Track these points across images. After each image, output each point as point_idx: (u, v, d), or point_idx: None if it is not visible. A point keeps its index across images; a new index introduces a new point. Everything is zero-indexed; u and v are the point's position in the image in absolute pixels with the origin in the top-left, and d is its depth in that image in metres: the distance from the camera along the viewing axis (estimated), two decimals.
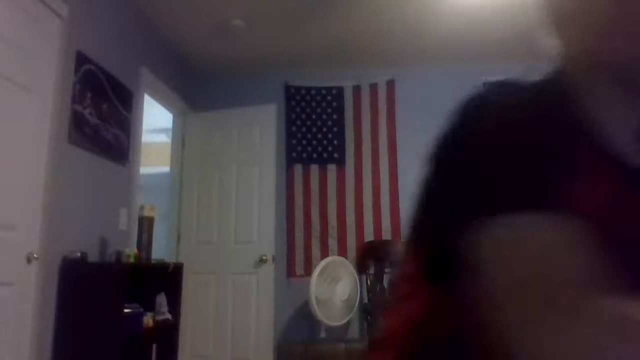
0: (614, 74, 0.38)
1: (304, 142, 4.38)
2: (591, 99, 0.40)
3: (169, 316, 3.24)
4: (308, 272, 4.05)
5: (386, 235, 4.16)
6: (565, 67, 0.43)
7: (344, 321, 3.81)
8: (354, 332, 4.10)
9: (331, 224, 4.21)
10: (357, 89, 4.41)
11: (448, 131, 0.48)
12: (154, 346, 3.23)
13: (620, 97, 0.39)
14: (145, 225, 3.29)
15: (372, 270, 3.94)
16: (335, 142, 4.36)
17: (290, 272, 4.17)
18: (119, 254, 2.89)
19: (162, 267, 3.37)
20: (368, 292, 3.87)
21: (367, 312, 3.77)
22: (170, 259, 3.92)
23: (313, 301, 3.64)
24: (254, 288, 3.87)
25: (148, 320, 2.98)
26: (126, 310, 2.66)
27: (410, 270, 0.54)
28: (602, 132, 0.39)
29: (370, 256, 4.01)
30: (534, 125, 0.42)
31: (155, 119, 4.71)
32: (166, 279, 3.30)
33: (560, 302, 0.38)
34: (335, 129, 4.38)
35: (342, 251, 4.15)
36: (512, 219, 0.40)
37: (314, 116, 4.42)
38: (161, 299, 3.25)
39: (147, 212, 3.33)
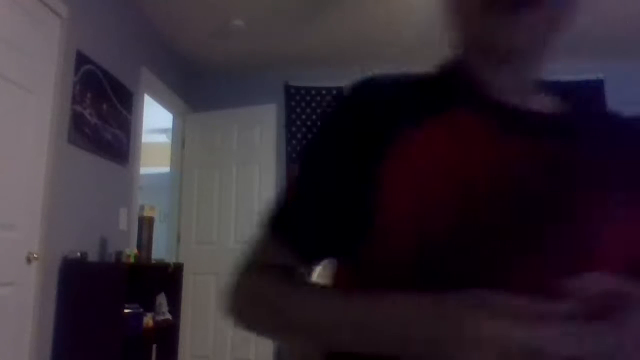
0: (485, 49, 0.56)
1: (304, 142, 4.38)
2: (475, 66, 0.58)
3: (169, 316, 3.24)
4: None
5: None
6: (460, 50, 0.60)
7: None
8: None
9: None
10: None
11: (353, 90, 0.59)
12: (154, 346, 3.23)
13: (492, 63, 0.57)
14: (145, 225, 3.30)
15: None
16: None
17: None
18: (119, 254, 2.89)
19: (162, 267, 3.37)
20: None
21: None
22: (170, 259, 3.92)
23: None
24: None
25: (148, 320, 2.98)
26: (126, 310, 2.66)
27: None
28: (482, 86, 0.57)
29: None
30: (433, 79, 0.60)
31: (155, 119, 4.71)
32: (166, 279, 3.30)
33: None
34: None
35: None
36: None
37: (314, 116, 4.41)
38: (161, 299, 3.25)
39: (147, 212, 3.33)
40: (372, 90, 0.58)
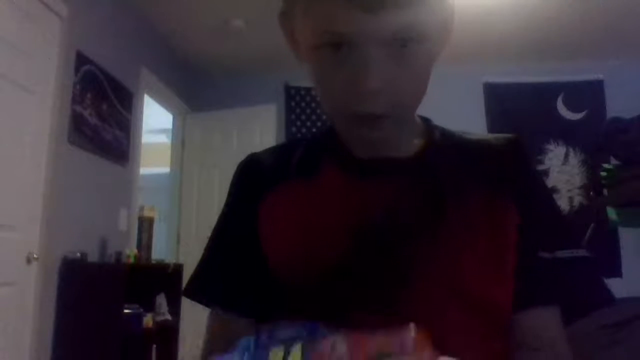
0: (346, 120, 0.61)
1: None
2: (341, 132, 0.66)
3: (169, 316, 3.24)
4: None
5: None
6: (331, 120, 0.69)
7: None
8: None
9: None
10: None
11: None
12: (154, 347, 3.23)
13: (350, 129, 0.61)
14: (145, 225, 3.30)
15: None
16: None
17: None
18: (119, 254, 2.89)
19: (162, 267, 3.37)
20: None
21: None
22: (170, 259, 3.92)
23: None
24: None
25: (148, 320, 2.98)
26: (126, 311, 2.65)
27: None
28: (345, 145, 0.65)
29: None
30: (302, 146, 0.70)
31: (155, 119, 4.71)
32: (166, 279, 3.29)
33: None
34: None
35: None
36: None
37: (313, 117, 4.41)
38: (161, 299, 3.25)
39: (147, 213, 3.33)
40: (253, 166, 0.71)
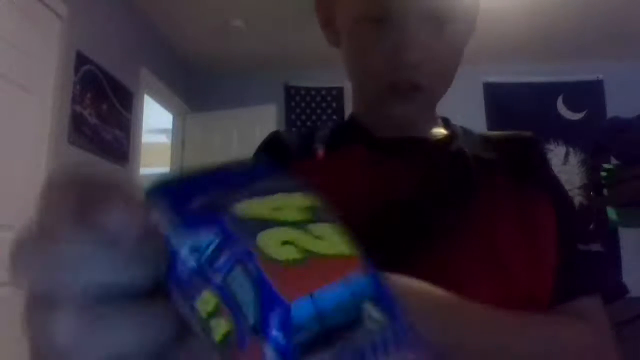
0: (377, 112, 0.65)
1: None
2: (371, 106, 0.67)
3: None
4: None
5: None
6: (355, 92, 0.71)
7: None
8: None
9: None
10: None
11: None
12: None
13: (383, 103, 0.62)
14: None
15: None
16: None
17: None
18: None
19: None
20: None
21: None
22: None
23: None
24: None
25: None
26: None
27: None
28: (368, 126, 0.66)
29: None
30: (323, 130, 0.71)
31: (155, 119, 4.72)
32: None
33: None
34: None
35: None
36: None
37: (314, 117, 4.42)
38: None
39: None
40: (278, 141, 0.71)
